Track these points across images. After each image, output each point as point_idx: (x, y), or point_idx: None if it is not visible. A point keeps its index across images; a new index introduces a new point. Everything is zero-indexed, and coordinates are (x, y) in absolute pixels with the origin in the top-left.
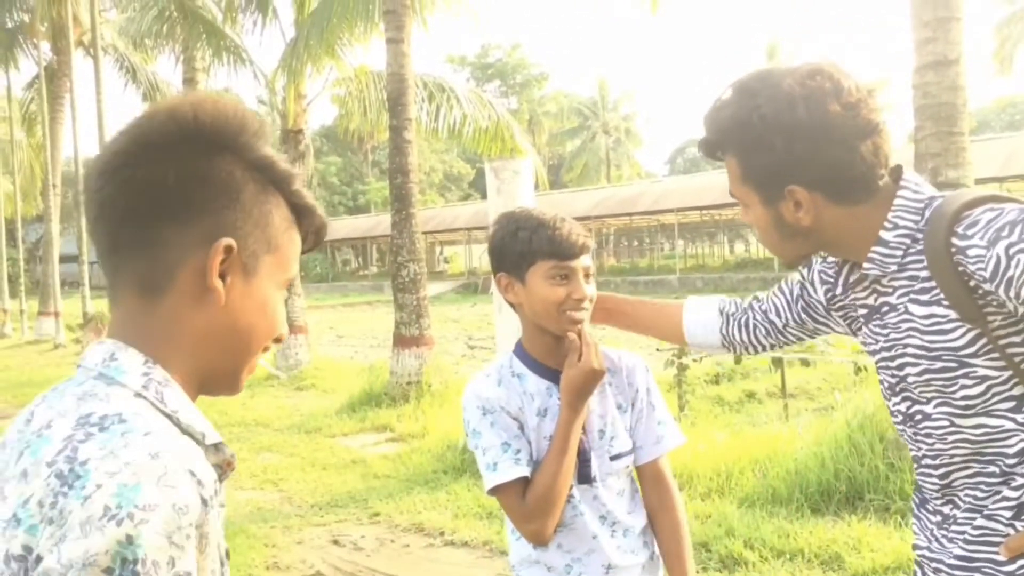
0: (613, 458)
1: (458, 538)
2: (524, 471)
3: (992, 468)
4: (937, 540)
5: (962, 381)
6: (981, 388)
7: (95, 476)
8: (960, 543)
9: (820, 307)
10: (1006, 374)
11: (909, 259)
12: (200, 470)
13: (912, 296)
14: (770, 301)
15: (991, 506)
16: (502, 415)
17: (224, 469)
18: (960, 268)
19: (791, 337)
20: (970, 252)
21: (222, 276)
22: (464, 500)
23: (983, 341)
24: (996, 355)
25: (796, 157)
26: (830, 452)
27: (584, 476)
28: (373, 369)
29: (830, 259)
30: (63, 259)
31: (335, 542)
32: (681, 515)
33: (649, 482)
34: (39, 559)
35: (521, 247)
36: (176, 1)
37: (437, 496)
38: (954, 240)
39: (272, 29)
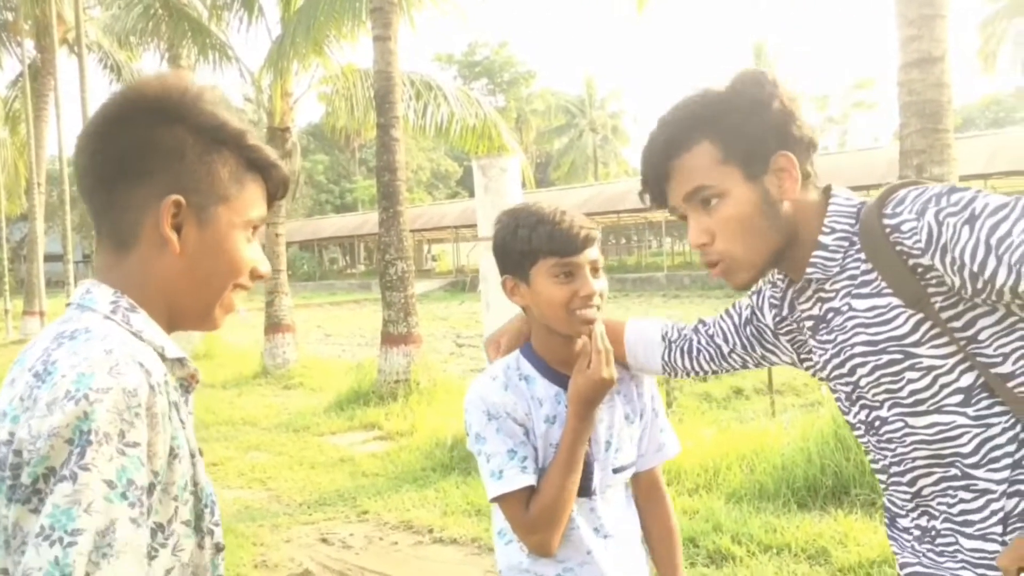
0: (616, 470)
1: (447, 535)
2: (531, 479)
3: (953, 471)
4: (924, 555)
5: (908, 375)
6: (928, 380)
7: (61, 370)
8: (968, 566)
9: (768, 331)
10: (952, 361)
11: (848, 260)
12: (148, 363)
13: (854, 293)
14: (717, 325)
15: (979, 523)
16: (508, 421)
17: (189, 382)
18: (898, 248)
19: (735, 363)
20: (903, 227)
21: (178, 228)
22: (452, 497)
23: (926, 327)
24: (941, 340)
25: (779, 118)
26: (816, 447)
27: (584, 489)
28: (361, 367)
29: (777, 283)
30: (48, 258)
31: (324, 540)
32: (674, 523)
33: (644, 489)
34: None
35: (521, 246)
36: None
37: (425, 494)
38: (885, 220)
39: (258, 27)
